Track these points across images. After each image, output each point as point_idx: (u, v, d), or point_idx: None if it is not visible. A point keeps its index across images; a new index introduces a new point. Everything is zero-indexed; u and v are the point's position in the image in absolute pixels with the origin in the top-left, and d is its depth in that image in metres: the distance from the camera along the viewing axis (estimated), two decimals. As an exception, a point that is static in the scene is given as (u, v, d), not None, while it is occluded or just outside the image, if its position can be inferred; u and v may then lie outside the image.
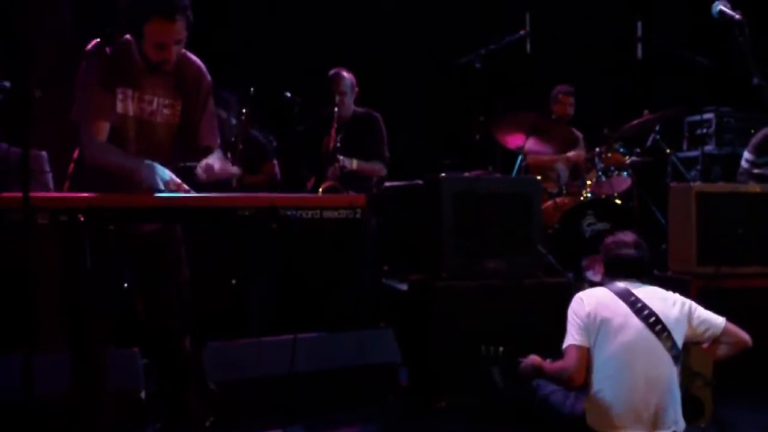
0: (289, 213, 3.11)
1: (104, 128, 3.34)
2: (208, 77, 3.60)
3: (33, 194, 2.72)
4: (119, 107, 3.36)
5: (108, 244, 3.18)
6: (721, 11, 3.13)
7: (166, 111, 3.48)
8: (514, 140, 6.17)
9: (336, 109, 5.72)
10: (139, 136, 3.41)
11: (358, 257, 5.39)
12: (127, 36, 3.35)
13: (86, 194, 3.02)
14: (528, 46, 6.25)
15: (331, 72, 5.92)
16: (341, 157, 5.64)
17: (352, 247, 5.27)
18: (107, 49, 3.32)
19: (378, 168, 5.87)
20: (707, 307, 3.99)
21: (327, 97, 5.86)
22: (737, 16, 3.09)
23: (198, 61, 3.56)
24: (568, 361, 3.80)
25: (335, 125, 5.70)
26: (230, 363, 4.35)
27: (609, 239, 4.11)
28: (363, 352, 4.87)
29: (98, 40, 3.35)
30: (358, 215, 3.19)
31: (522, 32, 6.22)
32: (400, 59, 6.97)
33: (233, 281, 4.63)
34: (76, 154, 3.46)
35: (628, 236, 4.10)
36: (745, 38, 3.08)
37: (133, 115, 3.40)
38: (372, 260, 5.56)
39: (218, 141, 3.65)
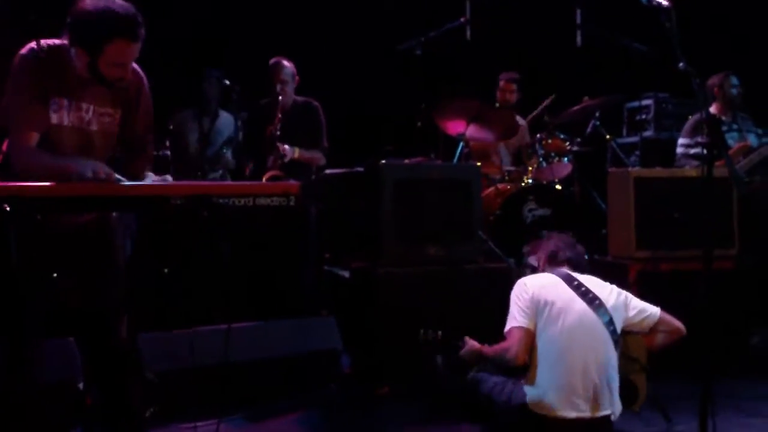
0: (221, 201, 3.08)
1: (34, 138, 3.26)
2: (146, 84, 3.56)
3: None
4: (53, 118, 3.28)
5: (36, 233, 3.13)
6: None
7: (104, 119, 3.42)
8: (455, 127, 6.20)
9: (280, 98, 5.71)
10: (74, 145, 3.34)
11: (298, 245, 5.38)
12: (61, 41, 3.28)
13: (12, 183, 2.95)
14: (468, 33, 6.27)
15: (272, 61, 5.90)
16: (285, 146, 5.64)
17: (291, 235, 5.26)
18: (42, 56, 3.25)
19: (318, 157, 5.90)
20: (645, 291, 4.06)
21: (267, 86, 5.84)
22: (665, 3, 3.13)
23: (138, 69, 3.50)
24: (510, 342, 3.85)
25: (279, 114, 5.69)
26: (167, 353, 4.32)
27: (551, 245, 4.19)
28: (304, 339, 4.87)
29: (33, 44, 3.26)
30: (291, 203, 3.18)
31: (462, 19, 6.26)
32: (342, 45, 6.95)
33: (165, 270, 4.59)
34: (5, 146, 3.39)
35: (567, 239, 4.22)
36: (672, 24, 3.13)
37: (69, 125, 3.32)
38: (312, 248, 5.56)
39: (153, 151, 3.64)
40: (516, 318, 3.86)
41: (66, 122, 3.32)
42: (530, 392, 3.79)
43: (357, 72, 6.89)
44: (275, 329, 4.86)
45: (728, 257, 5.48)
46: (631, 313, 3.96)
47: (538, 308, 3.83)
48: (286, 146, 5.65)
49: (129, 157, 3.59)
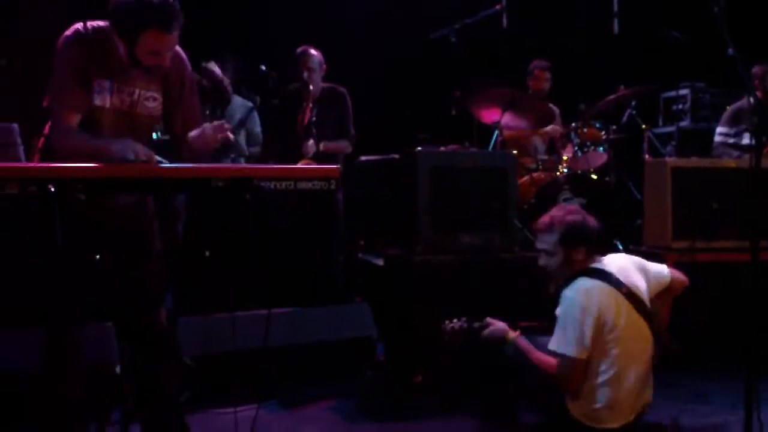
0: (263, 184, 3.06)
1: (76, 119, 3.27)
2: (189, 68, 3.55)
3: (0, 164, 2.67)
4: (96, 99, 3.29)
5: (79, 216, 3.13)
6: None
7: (148, 104, 3.41)
8: (490, 115, 6.15)
9: (311, 86, 5.69)
10: (116, 127, 3.35)
11: (331, 232, 5.37)
12: (106, 23, 3.28)
13: (55, 164, 2.95)
14: (504, 21, 6.22)
15: (299, 50, 5.89)
16: (310, 142, 5.62)
17: (325, 220, 5.25)
18: (87, 37, 3.25)
19: (344, 146, 5.89)
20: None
21: (295, 74, 5.83)
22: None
23: (181, 53, 3.49)
24: (563, 372, 3.62)
25: (310, 102, 5.67)
26: (207, 337, 4.33)
27: (568, 217, 3.84)
28: (339, 326, 4.87)
29: (79, 25, 3.26)
30: (332, 186, 3.15)
31: (498, 7, 6.19)
32: (377, 33, 6.92)
33: (206, 253, 4.60)
34: (46, 129, 3.40)
35: (577, 210, 3.95)
36: (720, 8, 3.07)
37: (111, 107, 3.32)
38: (342, 235, 5.54)
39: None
40: (572, 345, 3.59)
41: (108, 104, 3.32)
42: (576, 405, 3.67)
43: (392, 59, 6.86)
44: (311, 316, 4.86)
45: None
46: (652, 282, 3.82)
47: (600, 332, 3.59)
48: (311, 142, 5.62)
49: (174, 145, 3.60)
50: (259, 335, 3.43)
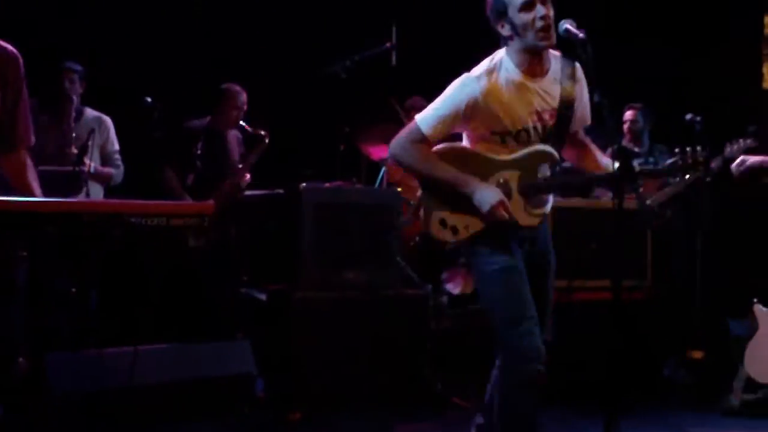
0: (133, 220, 3.02)
1: None
2: (22, 65, 3.37)
3: None
4: None
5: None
6: (567, 29, 3.23)
7: None
8: (377, 152, 6.20)
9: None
10: None
11: (215, 267, 5.32)
12: None
13: None
14: (393, 59, 6.28)
15: (233, 87, 6.12)
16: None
17: (207, 256, 5.19)
18: None
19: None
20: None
21: (220, 110, 6.09)
22: (581, 35, 3.18)
23: (12, 48, 3.34)
24: None
25: (252, 145, 6.01)
26: (75, 374, 4.21)
27: None
28: (218, 363, 4.78)
29: None
30: (206, 223, 3.13)
31: (388, 44, 6.26)
32: (265, 67, 6.90)
33: (73, 290, 4.47)
34: None
35: None
36: (588, 57, 3.18)
37: None
38: (230, 270, 5.49)
39: (33, 139, 3.47)
40: None
41: None
42: None
43: (281, 95, 6.84)
44: (189, 352, 4.77)
45: (641, 288, 5.58)
46: None
47: None
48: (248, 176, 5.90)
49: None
50: (131, 371, 3.36)
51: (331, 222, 5.06)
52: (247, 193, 5.92)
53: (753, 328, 5.24)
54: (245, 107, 6.19)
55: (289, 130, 6.73)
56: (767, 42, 7.86)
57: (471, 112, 3.40)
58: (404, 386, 5.06)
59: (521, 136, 3.43)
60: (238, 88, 6.19)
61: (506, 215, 3.37)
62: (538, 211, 3.52)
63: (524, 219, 3.48)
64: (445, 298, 5.80)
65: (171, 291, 4.96)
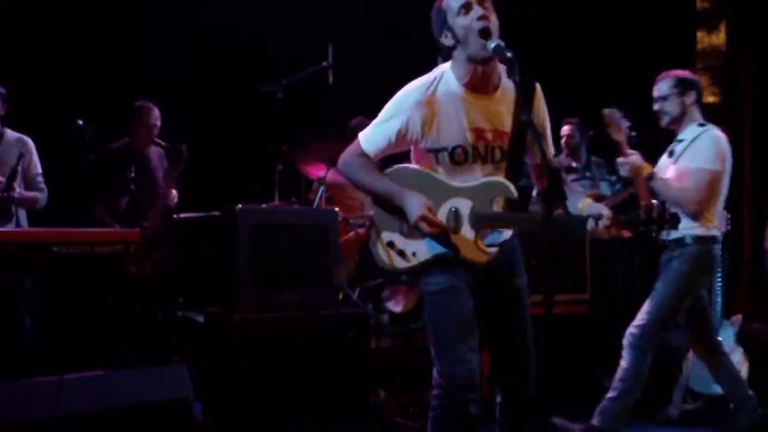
0: (56, 249, 2.96)
1: None
2: None
3: None
4: None
5: None
6: (497, 46, 3.17)
7: None
8: (315, 170, 6.18)
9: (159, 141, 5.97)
10: None
11: (148, 290, 5.24)
12: None
13: None
14: (330, 77, 6.27)
15: (144, 104, 5.98)
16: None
17: (140, 280, 5.11)
18: None
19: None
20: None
21: (133, 129, 5.95)
22: (509, 54, 3.17)
23: None
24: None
25: (172, 160, 5.86)
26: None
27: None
28: (153, 388, 4.71)
29: None
30: (131, 251, 3.09)
31: (324, 63, 6.24)
32: (201, 87, 6.86)
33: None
34: None
35: None
36: (515, 76, 3.18)
37: None
38: (164, 293, 5.43)
39: None
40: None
41: None
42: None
43: (219, 115, 6.81)
44: (123, 378, 4.68)
45: (581, 302, 5.63)
46: None
47: None
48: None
49: None
50: (57, 401, 3.29)
51: (268, 243, 5.01)
52: (183, 215, 5.85)
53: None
54: (158, 123, 6.08)
55: (226, 151, 6.70)
56: (701, 57, 8.03)
57: (408, 126, 3.30)
58: (346, 407, 5.03)
59: (456, 155, 3.26)
60: (149, 104, 6.09)
61: (428, 230, 3.19)
62: (490, 249, 3.27)
63: (471, 253, 3.24)
64: (385, 317, 5.78)
65: (105, 317, 4.88)
